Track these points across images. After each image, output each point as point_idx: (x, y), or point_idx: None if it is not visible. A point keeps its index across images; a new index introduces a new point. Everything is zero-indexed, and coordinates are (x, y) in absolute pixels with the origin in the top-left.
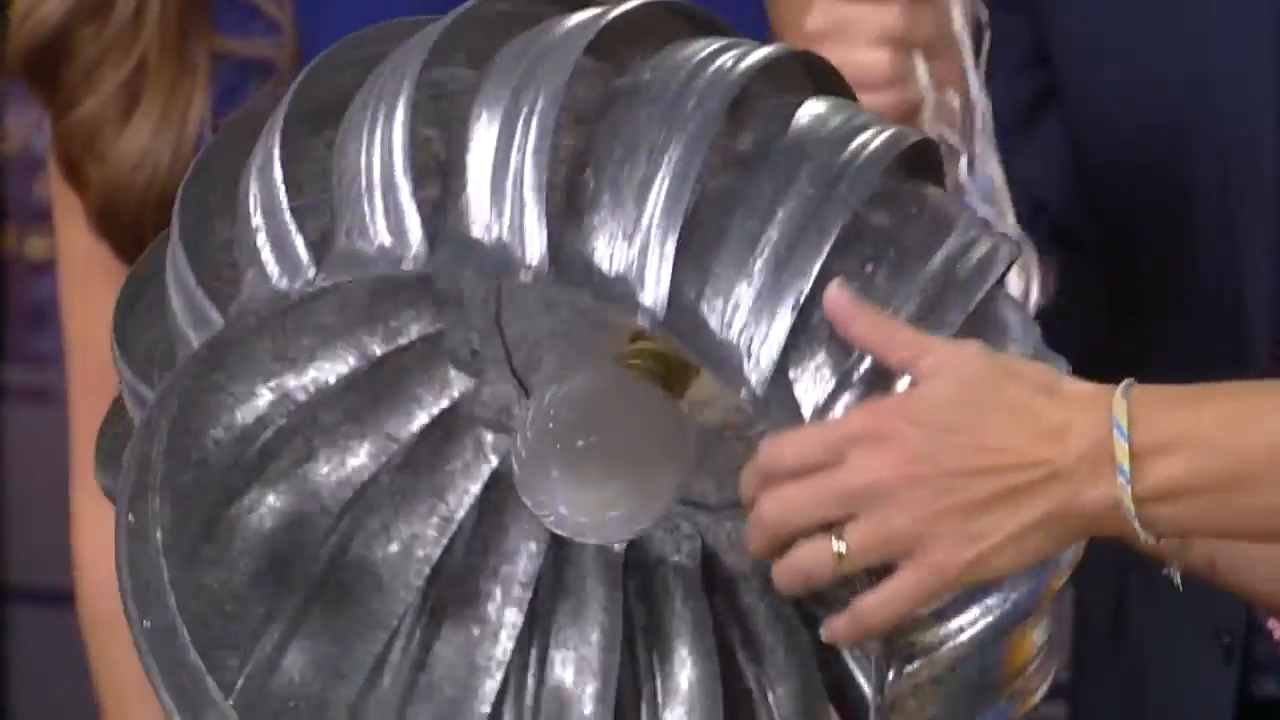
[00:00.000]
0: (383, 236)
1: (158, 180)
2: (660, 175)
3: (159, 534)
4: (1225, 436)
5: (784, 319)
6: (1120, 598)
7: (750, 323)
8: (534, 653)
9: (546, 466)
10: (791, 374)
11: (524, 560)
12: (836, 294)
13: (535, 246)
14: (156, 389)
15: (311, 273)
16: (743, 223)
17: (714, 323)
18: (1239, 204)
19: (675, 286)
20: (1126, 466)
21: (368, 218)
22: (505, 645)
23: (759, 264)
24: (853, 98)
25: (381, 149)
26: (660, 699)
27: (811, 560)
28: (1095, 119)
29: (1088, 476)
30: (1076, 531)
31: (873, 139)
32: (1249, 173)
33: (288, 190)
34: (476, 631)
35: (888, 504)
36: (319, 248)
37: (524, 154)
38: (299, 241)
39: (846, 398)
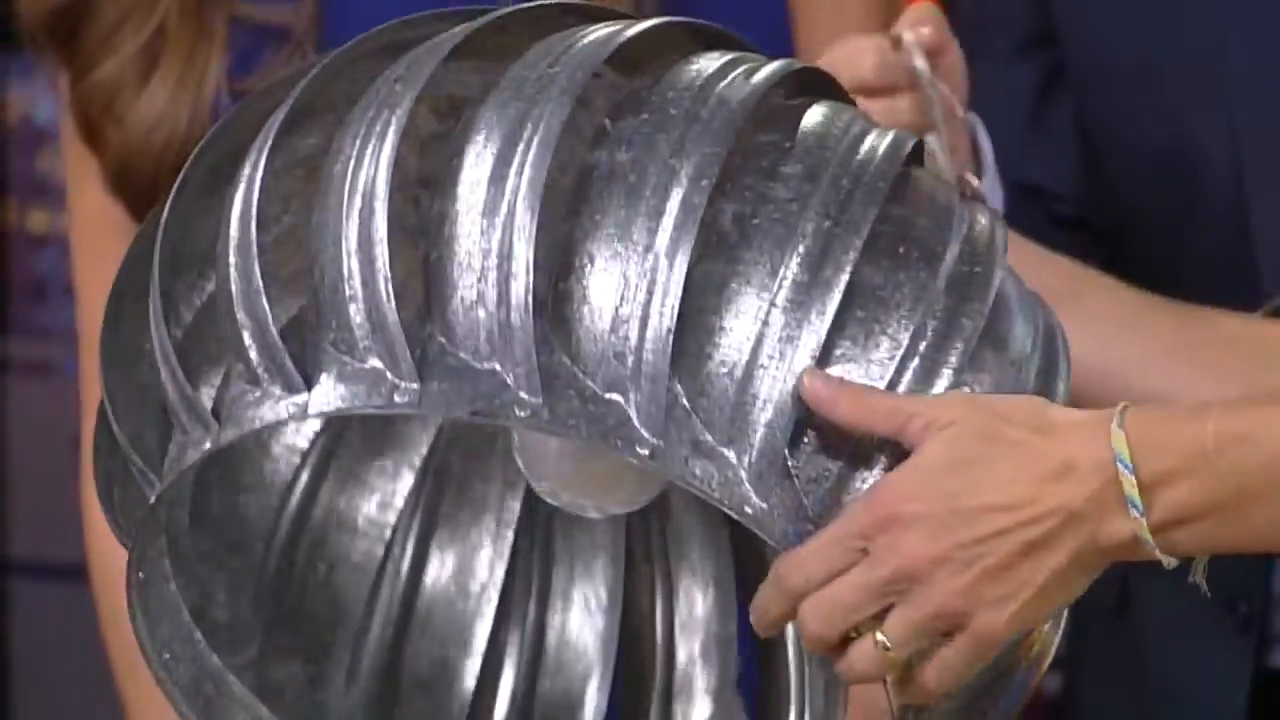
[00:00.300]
0: (372, 359)
1: (174, 142)
2: (646, 288)
3: (167, 564)
4: (1227, 454)
5: (784, 429)
6: (1126, 572)
7: (749, 431)
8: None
9: (547, 440)
10: (792, 464)
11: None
12: (810, 382)
13: (527, 378)
14: (153, 465)
15: (303, 399)
16: (734, 322)
17: (711, 436)
18: (1251, 180)
19: (670, 401)
20: (1138, 500)
21: (354, 333)
22: (513, 506)
23: (756, 366)
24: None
25: (360, 248)
26: (670, 564)
27: (864, 662)
28: (1105, 101)
29: (1101, 514)
30: (1100, 565)
31: (861, 175)
32: (1262, 150)
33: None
34: (480, 488)
35: (917, 589)
36: (302, 347)
37: (506, 269)
38: (289, 364)
39: (859, 478)
